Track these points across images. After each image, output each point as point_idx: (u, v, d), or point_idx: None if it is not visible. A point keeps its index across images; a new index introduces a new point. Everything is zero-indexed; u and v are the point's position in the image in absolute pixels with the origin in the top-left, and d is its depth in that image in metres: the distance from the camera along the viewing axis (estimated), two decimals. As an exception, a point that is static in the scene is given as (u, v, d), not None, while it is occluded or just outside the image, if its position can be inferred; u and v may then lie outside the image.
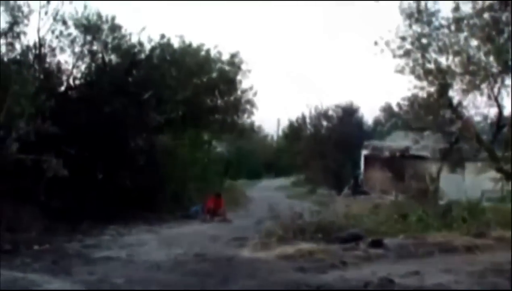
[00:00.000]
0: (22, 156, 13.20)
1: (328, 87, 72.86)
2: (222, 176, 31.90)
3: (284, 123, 53.90)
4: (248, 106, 24.44)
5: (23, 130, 13.24)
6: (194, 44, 23.30)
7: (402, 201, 23.70)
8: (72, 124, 17.38)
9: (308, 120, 45.05)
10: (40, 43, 19.89)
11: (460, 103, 20.14)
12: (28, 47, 19.34)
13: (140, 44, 21.67)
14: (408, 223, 17.55)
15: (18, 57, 18.34)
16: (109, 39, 21.33)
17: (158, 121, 19.51)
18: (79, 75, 21.15)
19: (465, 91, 19.37)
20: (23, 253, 12.72)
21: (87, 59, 21.18)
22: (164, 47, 21.40)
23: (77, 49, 20.80)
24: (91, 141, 17.25)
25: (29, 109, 13.60)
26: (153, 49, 21.39)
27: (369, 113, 63.56)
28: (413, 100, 25.11)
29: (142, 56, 21.38)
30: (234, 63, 23.04)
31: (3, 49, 17.50)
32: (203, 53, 23.18)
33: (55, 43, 20.47)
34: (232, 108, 24.13)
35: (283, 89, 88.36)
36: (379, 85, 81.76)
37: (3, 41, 17.41)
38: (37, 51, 19.89)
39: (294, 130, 47.62)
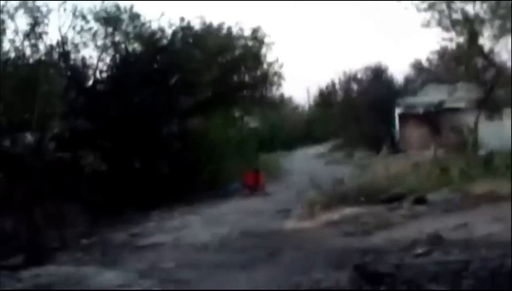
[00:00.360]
0: (60, 154, 13.34)
1: (355, 50, 71.64)
2: (257, 151, 31.85)
3: (314, 92, 53.58)
4: (275, 79, 24.25)
5: (58, 129, 13.37)
6: (215, 24, 23.18)
7: (442, 156, 23.36)
8: (104, 118, 17.51)
9: (338, 86, 44.73)
10: (63, 41, 20.05)
11: (492, 50, 19.68)
12: (51, 46, 19.48)
13: (161, 30, 21.61)
14: (450, 177, 17.33)
15: (43, 57, 18.45)
16: (130, 29, 21.33)
17: (188, 105, 19.52)
18: (104, 68, 21.23)
19: (496, 37, 18.90)
20: (72, 248, 12.92)
21: (111, 51, 21.24)
22: (186, 30, 21.29)
23: (99, 42, 20.89)
24: (125, 133, 17.36)
25: (61, 107, 13.72)
26: (174, 33, 21.29)
27: (399, 72, 62.57)
28: (442, 52, 24.72)
29: (165, 42, 21.33)
30: (257, 38, 22.77)
31: (28, 51, 17.64)
32: (224, 31, 23.00)
33: (77, 39, 20.59)
34: (260, 83, 23.97)
35: (309, 58, 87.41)
36: (407, 43, 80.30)
37: (26, 43, 17.56)
38: (61, 49, 20.04)
39: (325, 97, 47.27)
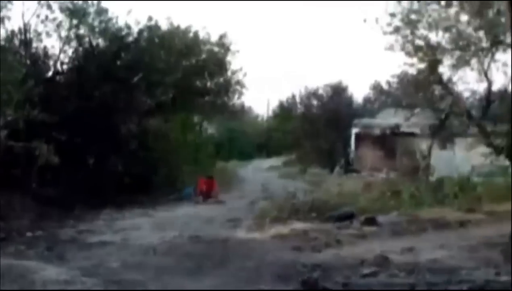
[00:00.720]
0: (12, 143, 13.05)
1: (317, 66, 72.44)
2: (213, 158, 31.88)
3: (274, 104, 53.95)
4: (238, 87, 24.28)
5: (12, 117, 13.08)
6: (182, 26, 23.09)
7: (394, 178, 23.77)
8: (62, 110, 17.24)
9: (298, 99, 45.10)
10: (25, 28, 19.67)
11: (450, 79, 20.15)
12: (13, 32, 19.11)
13: (128, 27, 21.42)
14: (401, 200, 17.65)
15: (2, 43, 18.08)
16: (96, 23, 21.07)
17: (149, 105, 19.38)
18: (66, 60, 20.92)
19: (455, 67, 19.37)
20: (17, 240, 12.67)
21: (74, 44, 20.96)
22: (152, 29, 21.15)
23: (63, 33, 20.59)
24: (82, 127, 17.10)
25: (17, 96, 13.42)
26: (141, 32, 21.14)
27: (359, 92, 63.57)
28: (403, 77, 25.10)
29: (130, 39, 21.13)
30: (223, 44, 22.84)
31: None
32: (191, 35, 22.95)
33: (40, 28, 20.23)
34: (222, 90, 23.96)
35: (271, 70, 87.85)
36: (368, 64, 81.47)
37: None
38: (23, 37, 19.67)
39: (285, 110, 47.65)
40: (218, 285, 8.57)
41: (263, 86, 69.45)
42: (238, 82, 24.02)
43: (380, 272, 8.93)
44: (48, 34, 20.65)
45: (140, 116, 19.59)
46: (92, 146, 17.83)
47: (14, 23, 18.88)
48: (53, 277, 9.18)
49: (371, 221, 14.15)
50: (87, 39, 20.89)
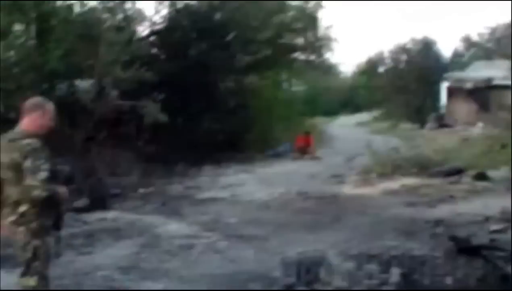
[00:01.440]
0: (121, 102, 13.34)
1: (405, 22, 70.48)
2: (302, 115, 31.71)
3: (359, 61, 53.08)
4: (327, 44, 23.66)
5: (119, 77, 13.30)
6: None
7: (495, 133, 22.87)
8: (160, 70, 17.38)
9: (386, 54, 44.24)
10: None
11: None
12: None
13: None
14: (508, 154, 16.97)
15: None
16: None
17: (244, 62, 19.30)
18: (159, 20, 20.99)
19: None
20: (131, 196, 13.05)
21: (167, 3, 20.94)
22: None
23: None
24: (181, 86, 17.17)
25: (123, 56, 13.64)
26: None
27: (447, 46, 61.64)
28: (495, 28, 23.95)
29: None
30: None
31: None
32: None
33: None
34: (312, 46, 23.45)
35: (357, 27, 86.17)
36: (455, 17, 78.61)
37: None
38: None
39: (372, 66, 46.81)
40: (340, 240, 8.49)
41: (348, 43, 67.89)
42: (328, 39, 23.38)
43: (509, 229, 8.63)
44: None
45: (238, 74, 19.56)
46: (191, 104, 17.93)
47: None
48: (176, 231, 9.42)
49: (482, 176, 13.73)
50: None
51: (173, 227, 9.76)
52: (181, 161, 18.31)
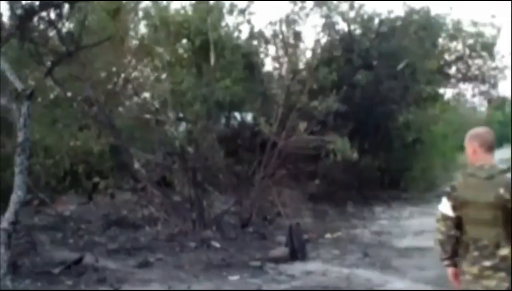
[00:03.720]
0: (311, 136, 12.11)
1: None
2: (455, 149, 29.32)
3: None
4: (501, 73, 21.35)
5: (308, 107, 12.14)
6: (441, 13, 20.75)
7: None
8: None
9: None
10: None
11: None
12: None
13: (379, 14, 19.79)
14: None
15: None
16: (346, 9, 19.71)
17: (427, 93, 17.69)
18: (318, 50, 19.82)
19: None
20: (320, 242, 11.72)
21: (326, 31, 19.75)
22: (422, 13, 19.20)
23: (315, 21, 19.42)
24: (356, 118, 15.64)
25: (310, 84, 12.54)
26: (408, 15, 19.26)
27: None
28: None
29: (386, 26, 19.48)
30: (493, 24, 20.05)
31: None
32: (453, 19, 20.64)
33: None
34: (488, 76, 21.24)
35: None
36: None
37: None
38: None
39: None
40: None
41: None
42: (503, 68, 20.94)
43: None
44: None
45: (417, 105, 17.90)
46: (365, 138, 16.43)
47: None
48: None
49: None
50: (340, 26, 19.61)
51: (398, 285, 8.31)
52: (348, 200, 16.96)
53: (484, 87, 21.35)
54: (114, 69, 17.38)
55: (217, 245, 10.74)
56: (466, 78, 20.87)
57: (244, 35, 17.60)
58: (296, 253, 9.73)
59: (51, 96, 15.62)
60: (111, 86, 17.22)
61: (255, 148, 15.63)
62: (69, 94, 13.95)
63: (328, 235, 12.27)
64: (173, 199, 12.60)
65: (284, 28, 18.45)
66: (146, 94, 18.24)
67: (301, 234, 10.20)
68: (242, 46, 16.74)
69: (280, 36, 18.28)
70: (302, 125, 11.94)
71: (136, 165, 12.43)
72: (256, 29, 17.00)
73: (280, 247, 10.24)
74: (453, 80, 20.92)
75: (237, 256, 10.15)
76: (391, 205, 17.51)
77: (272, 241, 11.44)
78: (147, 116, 16.70)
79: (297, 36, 18.09)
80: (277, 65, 18.29)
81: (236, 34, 16.97)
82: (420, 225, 13.84)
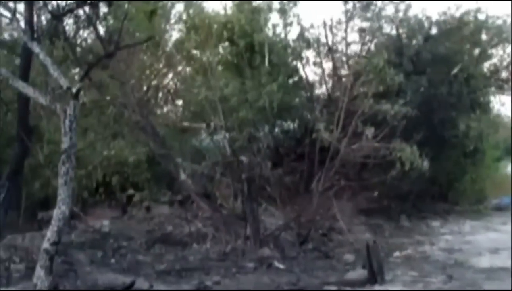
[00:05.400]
0: (377, 144, 10.90)
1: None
2: (497, 160, 27.91)
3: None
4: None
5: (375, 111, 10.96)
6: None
7: None
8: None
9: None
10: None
11: None
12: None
13: (427, 17, 18.61)
14: None
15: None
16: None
17: (483, 99, 16.48)
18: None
19: None
20: (390, 261, 10.44)
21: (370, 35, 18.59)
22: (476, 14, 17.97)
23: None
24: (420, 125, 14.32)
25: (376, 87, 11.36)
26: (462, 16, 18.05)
27: None
28: None
29: (434, 30, 18.29)
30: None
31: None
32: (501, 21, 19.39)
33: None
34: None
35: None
36: None
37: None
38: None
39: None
40: None
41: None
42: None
43: None
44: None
45: (468, 113, 16.64)
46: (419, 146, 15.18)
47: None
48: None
49: None
50: (386, 30, 18.41)
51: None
52: (401, 214, 15.78)
53: None
54: (148, 73, 16.41)
55: (280, 265, 9.52)
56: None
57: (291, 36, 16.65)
58: (375, 276, 8.48)
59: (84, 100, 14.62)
60: (146, 91, 16.25)
61: (304, 157, 14.56)
62: (107, 98, 12.76)
63: (397, 253, 11.00)
64: (223, 212, 11.42)
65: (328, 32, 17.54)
66: (181, 101, 17.33)
67: (379, 254, 8.94)
68: (290, 48, 15.55)
69: (325, 40, 17.39)
70: (369, 131, 10.70)
71: (183, 176, 11.26)
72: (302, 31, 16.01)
73: (351, 267, 9.07)
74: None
75: (304, 278, 8.92)
76: (447, 219, 16.28)
77: (337, 260, 10.25)
78: (185, 124, 15.76)
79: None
80: (317, 70, 17.35)
81: (283, 35, 15.90)
82: (490, 242, 12.67)
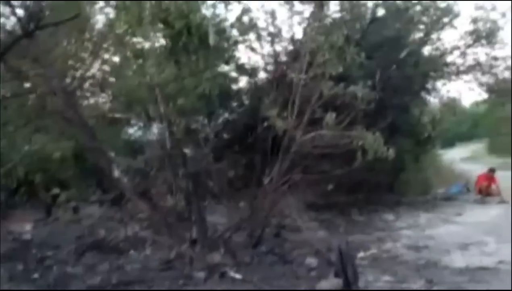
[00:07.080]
0: (338, 132, 9.69)
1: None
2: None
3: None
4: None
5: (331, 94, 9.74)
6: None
7: None
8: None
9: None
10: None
11: None
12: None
13: None
14: None
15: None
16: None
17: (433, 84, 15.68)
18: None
19: None
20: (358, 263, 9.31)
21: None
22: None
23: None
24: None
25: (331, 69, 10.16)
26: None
27: None
28: None
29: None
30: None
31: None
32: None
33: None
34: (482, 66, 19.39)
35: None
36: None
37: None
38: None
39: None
40: None
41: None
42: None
43: None
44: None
45: (422, 98, 15.84)
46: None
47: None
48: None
49: None
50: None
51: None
52: (351, 207, 14.81)
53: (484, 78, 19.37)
54: (74, 60, 14.72)
55: (236, 275, 8.20)
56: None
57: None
58: (350, 285, 7.29)
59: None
60: (72, 80, 14.58)
61: (253, 149, 13.31)
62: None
63: (361, 254, 9.88)
64: (164, 212, 9.96)
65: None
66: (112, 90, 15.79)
67: (353, 259, 7.77)
68: (231, 30, 14.23)
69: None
70: (330, 118, 9.48)
71: (116, 172, 9.75)
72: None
73: (316, 273, 7.92)
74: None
75: (266, 289, 7.65)
76: (399, 211, 15.43)
77: (298, 265, 8.97)
78: (116, 115, 14.26)
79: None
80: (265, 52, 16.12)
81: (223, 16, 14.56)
82: (453, 236, 11.83)
